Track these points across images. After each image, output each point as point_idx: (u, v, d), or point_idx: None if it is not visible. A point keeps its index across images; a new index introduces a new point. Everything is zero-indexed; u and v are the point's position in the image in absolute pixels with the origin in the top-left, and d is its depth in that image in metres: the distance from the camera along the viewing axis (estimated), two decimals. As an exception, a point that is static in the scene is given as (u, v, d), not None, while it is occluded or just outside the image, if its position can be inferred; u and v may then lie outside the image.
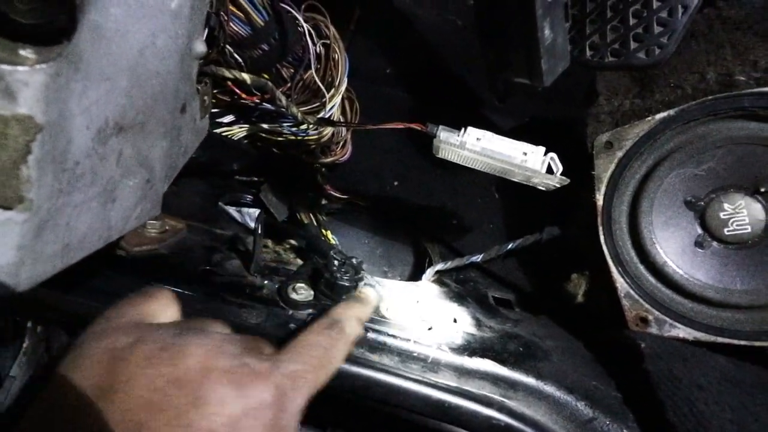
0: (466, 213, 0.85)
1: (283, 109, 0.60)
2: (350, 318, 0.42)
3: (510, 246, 0.65)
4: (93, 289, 0.47)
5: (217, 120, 0.65)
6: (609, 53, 0.44)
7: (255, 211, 0.72)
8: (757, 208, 0.47)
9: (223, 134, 0.66)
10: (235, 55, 0.54)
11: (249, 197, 0.76)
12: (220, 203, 0.72)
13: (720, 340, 0.46)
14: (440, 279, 0.69)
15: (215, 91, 0.61)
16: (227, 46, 0.51)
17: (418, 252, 0.87)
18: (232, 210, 0.71)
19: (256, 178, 0.79)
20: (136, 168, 0.30)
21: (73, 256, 0.25)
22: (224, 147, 0.67)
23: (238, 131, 0.67)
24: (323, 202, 0.87)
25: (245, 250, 0.59)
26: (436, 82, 0.91)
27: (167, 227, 0.59)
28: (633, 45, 0.43)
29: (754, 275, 0.46)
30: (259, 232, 0.55)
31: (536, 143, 0.53)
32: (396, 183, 0.91)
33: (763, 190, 0.46)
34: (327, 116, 0.67)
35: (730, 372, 0.43)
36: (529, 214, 0.79)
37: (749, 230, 0.47)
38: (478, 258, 0.68)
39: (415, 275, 0.80)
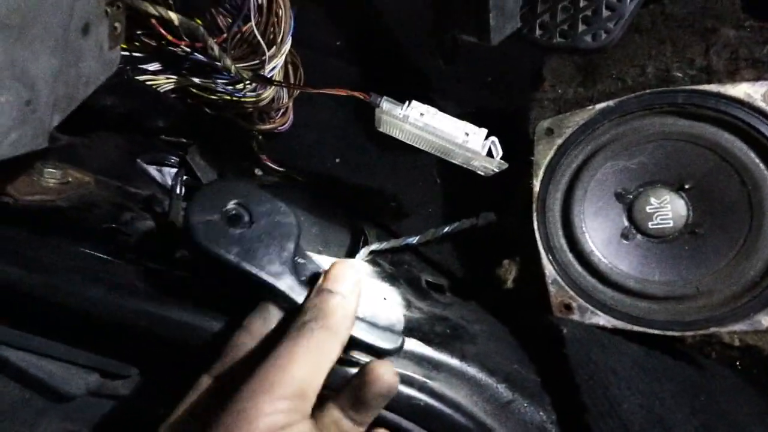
0: (406, 196, 0.83)
1: (216, 61, 0.55)
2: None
3: (446, 229, 0.64)
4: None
5: (141, 66, 0.58)
6: (558, 34, 0.43)
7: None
8: (680, 203, 0.48)
9: (147, 83, 0.59)
10: (162, -10, 0.48)
11: (174, 158, 0.70)
12: (138, 160, 0.65)
13: (636, 328, 0.47)
14: (374, 259, 0.67)
15: (139, 32, 0.55)
16: (152, -23, 0.45)
17: (355, 233, 0.84)
18: (151, 169, 0.64)
19: (184, 140, 0.73)
20: (9, 81, 0.25)
21: None
22: (148, 98, 0.60)
23: (165, 82, 0.61)
24: (258, 172, 0.82)
25: (161, 212, 0.54)
26: (387, 60, 0.88)
27: (70, 179, 0.52)
28: (581, 27, 0.42)
29: (671, 268, 0.48)
30: (177, 191, 0.50)
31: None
32: (337, 160, 0.88)
33: (687, 186, 0.48)
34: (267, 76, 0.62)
35: (641, 359, 0.45)
36: (469, 200, 0.78)
37: (671, 225, 0.48)
38: (414, 240, 0.66)
39: (351, 256, 0.78)
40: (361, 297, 0.36)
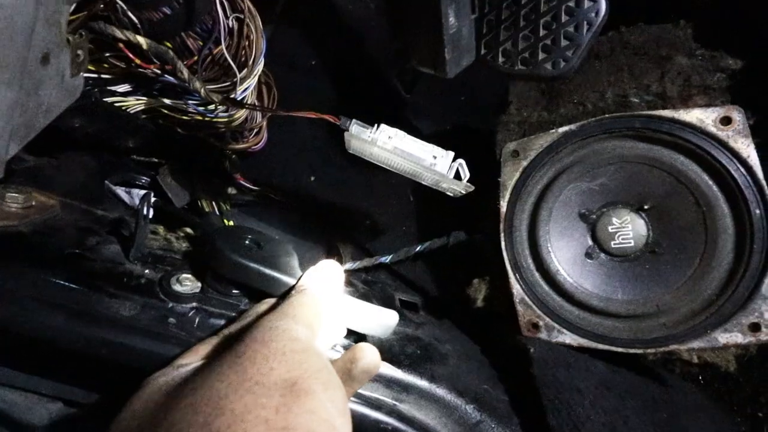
0: (380, 214, 0.84)
1: (186, 84, 0.55)
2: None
3: (418, 248, 0.65)
4: None
5: (110, 88, 0.58)
6: (519, 61, 0.45)
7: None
8: (640, 223, 0.50)
9: (116, 105, 0.59)
10: (129, 14, 0.48)
11: (144, 179, 0.69)
12: (107, 182, 0.64)
13: (600, 346, 0.48)
14: (347, 279, 0.67)
15: (107, 55, 0.55)
16: (119, 2, 0.45)
17: (330, 252, 0.84)
18: (120, 191, 0.64)
19: (155, 160, 0.72)
20: (-40, 116, 0.25)
21: None
22: (117, 119, 0.60)
23: (135, 104, 0.60)
24: (232, 191, 0.81)
25: (129, 235, 0.53)
26: (361, 80, 0.89)
27: (33, 203, 0.51)
28: (541, 56, 0.44)
29: (633, 286, 0.49)
30: (145, 213, 0.49)
31: (452, 150, 0.53)
32: (312, 179, 0.88)
33: (646, 207, 0.49)
34: (239, 98, 0.63)
35: (606, 377, 0.46)
36: (442, 219, 0.79)
37: (632, 244, 0.50)
38: (386, 259, 0.67)
39: (324, 274, 0.77)
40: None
